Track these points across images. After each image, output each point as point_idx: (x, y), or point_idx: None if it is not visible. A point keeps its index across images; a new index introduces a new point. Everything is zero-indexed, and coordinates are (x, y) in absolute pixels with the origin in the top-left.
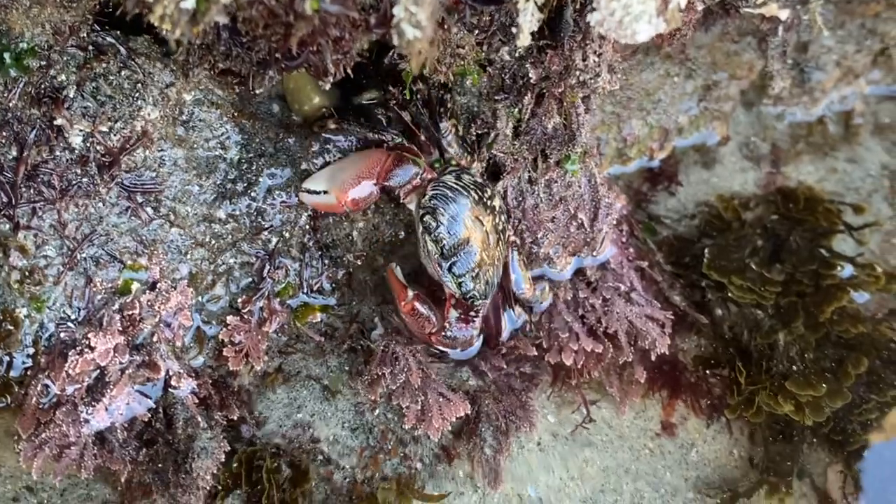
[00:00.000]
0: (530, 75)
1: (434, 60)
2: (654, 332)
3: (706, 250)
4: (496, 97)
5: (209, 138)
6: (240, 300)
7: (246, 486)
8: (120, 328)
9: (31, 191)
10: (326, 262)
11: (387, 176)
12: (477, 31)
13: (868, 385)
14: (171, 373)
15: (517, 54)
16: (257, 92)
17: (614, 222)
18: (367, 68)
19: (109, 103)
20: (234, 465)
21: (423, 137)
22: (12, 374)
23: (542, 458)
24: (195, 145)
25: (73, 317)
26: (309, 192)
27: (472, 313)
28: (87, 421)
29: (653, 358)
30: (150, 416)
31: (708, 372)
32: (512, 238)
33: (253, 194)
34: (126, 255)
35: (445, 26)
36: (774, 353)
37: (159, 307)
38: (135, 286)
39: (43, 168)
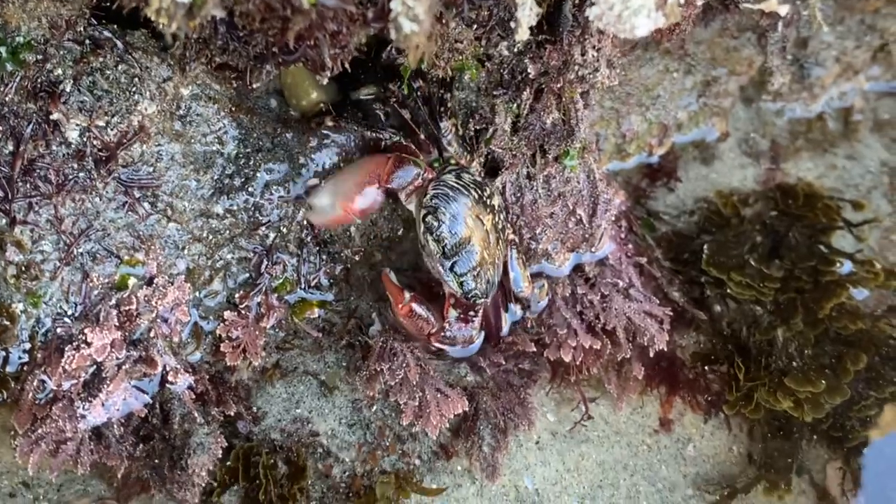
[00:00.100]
0: (529, 70)
1: (432, 55)
2: (653, 328)
3: (705, 246)
4: (495, 92)
5: (206, 133)
6: (237, 295)
7: (243, 482)
8: (117, 323)
9: (28, 185)
10: (324, 257)
11: (389, 179)
12: (475, 26)
13: (867, 381)
14: (167, 368)
15: (516, 49)
16: (255, 87)
17: (613, 218)
18: (366, 64)
19: (106, 98)
20: (231, 461)
21: (422, 136)
22: (8, 369)
23: (540, 455)
24: (192, 140)
25: (69, 312)
26: (313, 210)
27: (472, 312)
28: (83, 416)
29: (651, 354)
30: (146, 411)
31: (706, 368)
32: (511, 236)
33: (250, 189)
34: (123, 251)
35: (443, 21)
36: (773, 350)
37: (156, 302)
38: (132, 281)
39: (39, 163)
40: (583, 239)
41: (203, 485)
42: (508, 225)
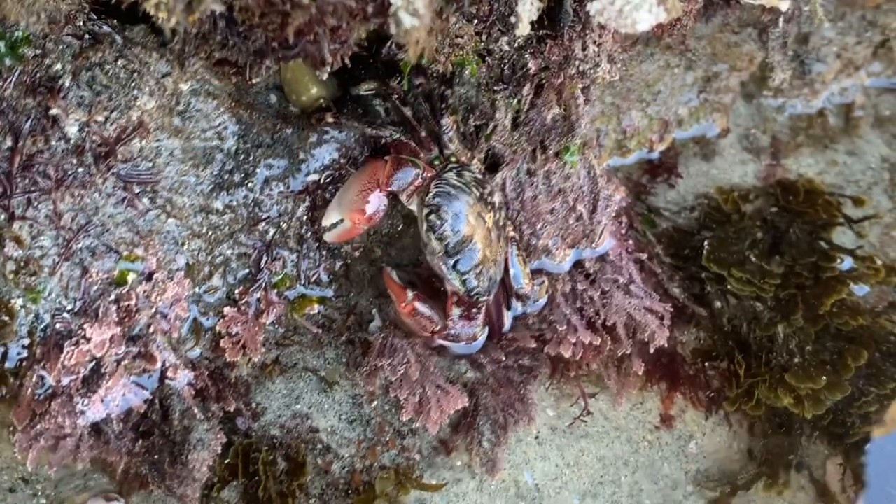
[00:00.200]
0: (529, 66)
1: (432, 50)
2: (653, 324)
3: (706, 242)
4: (495, 88)
5: (206, 129)
6: (237, 291)
7: (243, 478)
8: (116, 319)
9: (27, 181)
10: (324, 253)
11: (388, 182)
12: (476, 21)
13: (868, 378)
14: (167, 364)
15: (516, 44)
16: (254, 82)
17: (613, 214)
18: (366, 60)
19: (105, 93)
20: (231, 457)
21: (423, 133)
22: (7, 365)
23: (540, 450)
24: (192, 135)
25: (68, 307)
26: (328, 228)
27: (475, 310)
28: (82, 412)
29: (651, 350)
30: (146, 407)
31: (707, 364)
32: (511, 233)
33: (250, 185)
34: (122, 246)
35: (444, 15)
36: (774, 346)
37: (156, 298)
38: (131, 277)
39: (38, 158)
40: (583, 235)
41: (203, 480)
42: (509, 222)
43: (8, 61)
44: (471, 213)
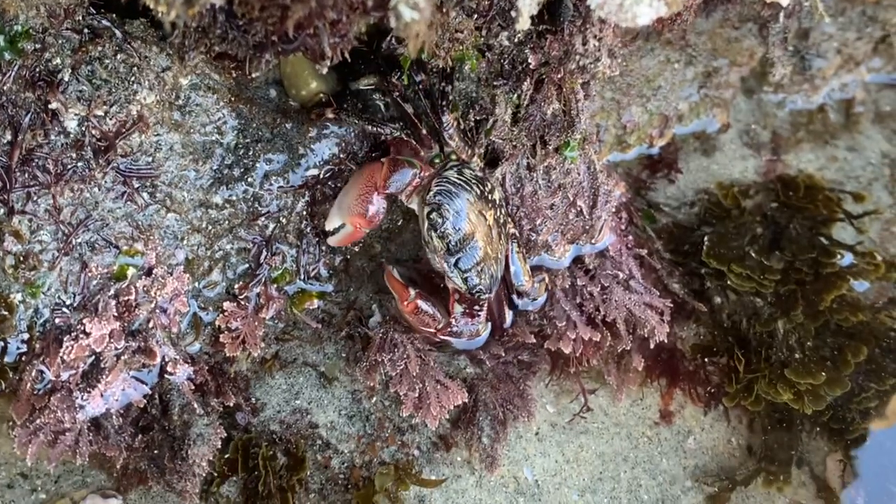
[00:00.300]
0: (529, 61)
1: (432, 45)
2: (653, 319)
3: (705, 238)
4: (495, 83)
5: (206, 123)
6: (236, 286)
7: (242, 473)
8: (115, 314)
9: (26, 175)
10: (324, 248)
11: (386, 184)
12: (476, 16)
13: (867, 373)
14: (167, 359)
15: (516, 39)
16: (254, 76)
17: (613, 210)
18: (366, 55)
19: (105, 87)
20: (231, 452)
21: (424, 131)
22: (7, 359)
23: (540, 446)
24: (191, 130)
25: (68, 302)
26: (331, 233)
27: (477, 307)
28: (82, 407)
29: (651, 346)
30: (145, 402)
31: (706, 360)
32: (512, 231)
33: (250, 180)
34: (122, 241)
35: (444, 10)
36: (773, 342)
37: (155, 293)
38: (131, 272)
39: (38, 152)
40: (583, 230)
41: (203, 475)
42: (509, 219)
43: (7, 55)
44: (472, 210)
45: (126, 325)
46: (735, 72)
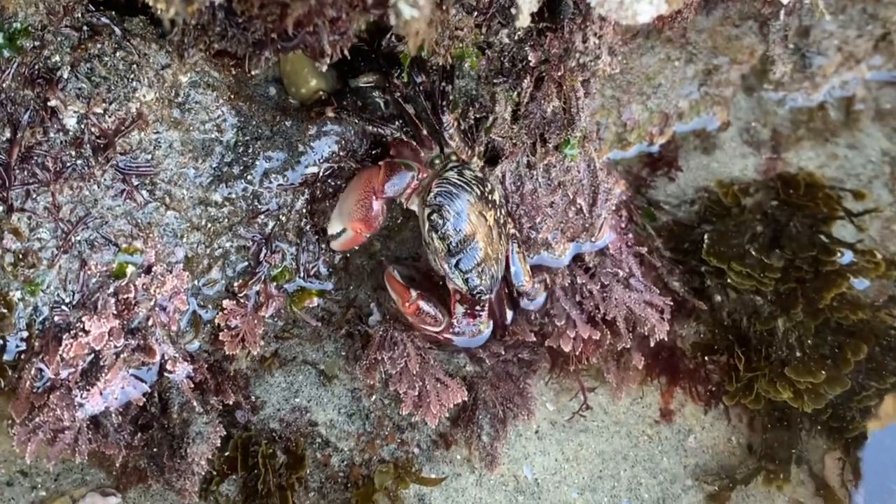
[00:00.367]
0: (529, 58)
1: (432, 42)
2: (653, 318)
3: (705, 236)
4: (495, 80)
5: (205, 121)
6: (236, 284)
7: (242, 472)
8: (115, 312)
9: (25, 173)
10: (323, 246)
11: (383, 189)
12: (476, 13)
13: (867, 372)
14: (166, 357)
15: (516, 37)
16: (254, 74)
17: (613, 207)
18: (366, 52)
19: (104, 84)
20: (230, 450)
21: (424, 131)
22: (6, 357)
23: (539, 444)
24: (191, 128)
25: (67, 300)
26: (333, 237)
27: (478, 307)
28: (81, 405)
29: (652, 344)
30: (145, 400)
31: (707, 358)
32: (512, 231)
33: (249, 177)
34: (121, 239)
35: (443, 7)
36: (773, 340)
37: (155, 291)
38: (130, 269)
39: (37, 150)
40: (583, 228)
41: (202, 474)
42: (509, 219)
43: (6, 52)
44: (472, 211)
45: (125, 323)
46: (735, 70)
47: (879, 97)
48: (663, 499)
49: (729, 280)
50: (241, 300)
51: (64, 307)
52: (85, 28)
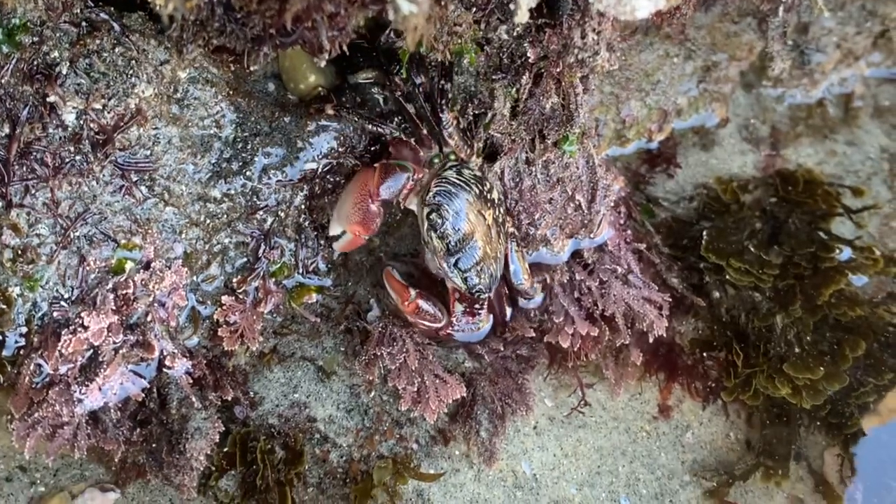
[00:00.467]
0: (528, 54)
1: (430, 38)
2: (652, 314)
3: (704, 233)
4: (494, 77)
5: (204, 116)
6: (235, 280)
7: (240, 467)
8: (114, 307)
9: (24, 168)
10: (322, 242)
11: (378, 191)
12: (474, 9)
13: (866, 368)
14: (165, 353)
15: (515, 33)
16: (252, 69)
17: (612, 204)
18: (367, 50)
19: (103, 80)
20: (229, 446)
21: (424, 131)
22: (5, 353)
23: (538, 440)
24: (190, 123)
25: (66, 296)
26: (335, 239)
27: (477, 306)
28: (80, 401)
29: (650, 340)
30: (143, 396)
31: (705, 355)
32: (511, 230)
33: (248, 173)
34: (120, 234)
35: (442, 3)
36: (772, 336)
37: (153, 287)
38: (129, 265)
39: (36, 145)
40: (581, 225)
41: (201, 469)
42: (508, 218)
43: (5, 48)
44: (471, 210)
45: (124, 318)
46: (734, 66)
47: (878, 94)
48: (661, 494)
49: (727, 276)
50: (240, 296)
51: (63, 303)
52: (84, 24)
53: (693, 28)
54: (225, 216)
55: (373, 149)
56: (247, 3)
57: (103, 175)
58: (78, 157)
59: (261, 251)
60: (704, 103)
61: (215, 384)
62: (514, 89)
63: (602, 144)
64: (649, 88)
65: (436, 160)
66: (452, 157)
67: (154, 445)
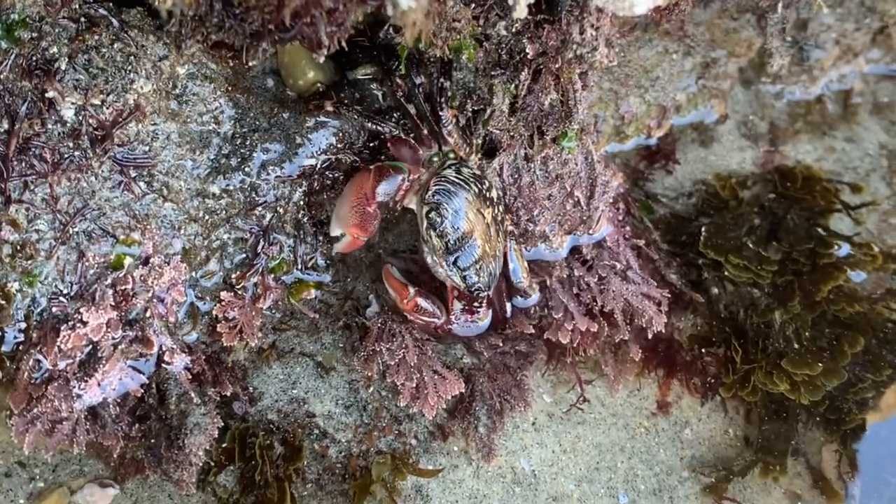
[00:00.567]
0: (527, 50)
1: (429, 34)
2: (651, 310)
3: (703, 229)
4: (492, 73)
5: (203, 112)
6: (234, 276)
7: (239, 463)
8: (112, 303)
9: (23, 164)
10: (321, 238)
11: (374, 194)
12: (473, 5)
13: (864, 364)
14: (164, 348)
15: (514, 29)
16: (251, 65)
17: (611, 200)
18: (367, 48)
19: (102, 76)
20: (228, 441)
21: (425, 131)
22: (4, 348)
23: (537, 436)
24: (188, 119)
25: (65, 291)
26: (336, 239)
27: (476, 304)
28: (79, 396)
29: (649, 336)
30: (142, 391)
31: (704, 351)
32: (510, 228)
33: (247, 169)
34: (119, 230)
35: None
36: (770, 332)
37: (152, 282)
38: (128, 261)
39: (35, 141)
40: (580, 221)
41: (200, 465)
42: (507, 216)
43: (4, 44)
44: (470, 209)
45: (123, 314)
46: (733, 63)
47: (877, 91)
48: (660, 490)
49: (726, 272)
50: (239, 292)
51: (62, 298)
52: (82, 19)
53: (692, 24)
54: (224, 212)
55: (371, 144)
56: None
57: (102, 171)
58: (77, 153)
59: (259, 247)
60: (703, 100)
61: (214, 380)
62: (513, 85)
63: (601, 141)
64: (648, 85)
65: (435, 159)
66: (452, 155)
67: (153, 441)
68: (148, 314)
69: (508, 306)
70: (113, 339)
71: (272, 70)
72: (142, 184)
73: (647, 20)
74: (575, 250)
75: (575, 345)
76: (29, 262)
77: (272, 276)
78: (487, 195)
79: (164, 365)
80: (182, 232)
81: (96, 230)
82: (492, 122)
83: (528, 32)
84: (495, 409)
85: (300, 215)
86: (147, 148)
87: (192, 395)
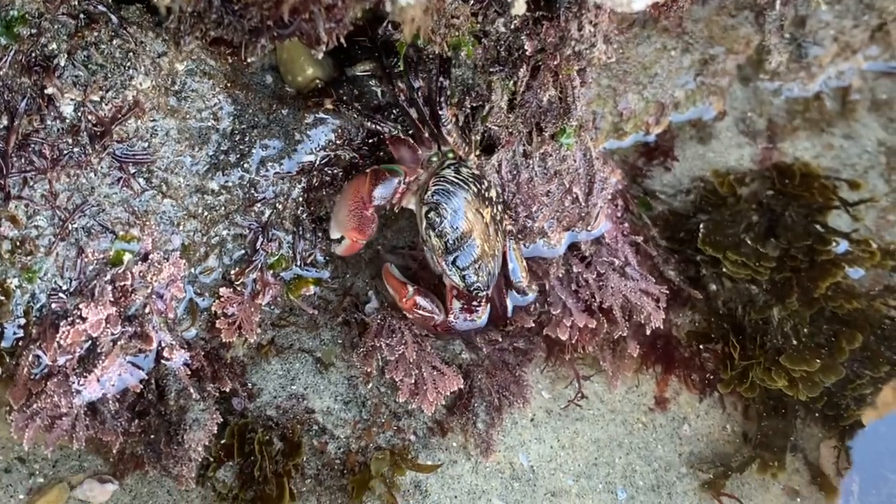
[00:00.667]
0: (526, 47)
1: (428, 30)
2: (649, 306)
3: (701, 225)
4: (491, 69)
5: (202, 109)
6: (233, 272)
7: (238, 458)
8: (112, 299)
9: (23, 160)
10: (320, 234)
11: (370, 198)
12: (472, 1)
13: (862, 361)
14: (163, 344)
15: (513, 25)
16: (250, 61)
17: (609, 197)
18: (366, 44)
19: (101, 72)
20: (227, 437)
21: (426, 134)
22: (3, 344)
23: (535, 432)
24: (187, 116)
25: (64, 287)
26: (336, 242)
27: (475, 303)
28: (78, 392)
29: (648, 332)
30: (142, 387)
31: (702, 347)
32: (509, 227)
33: (246, 166)
34: (118, 226)
35: None
36: (768, 329)
37: (151, 278)
38: (127, 257)
39: (34, 137)
40: (579, 217)
41: (199, 460)
42: (506, 216)
43: (3, 40)
44: (469, 209)
45: (122, 310)
46: (731, 59)
47: (875, 87)
48: (658, 486)
49: (724, 269)
50: (238, 288)
51: (61, 294)
52: (82, 16)
53: (690, 21)
54: (223, 208)
55: (371, 141)
56: None
57: (101, 167)
58: (76, 149)
59: (259, 243)
60: (702, 96)
61: (213, 375)
62: (512, 82)
63: (599, 137)
64: (647, 81)
65: (434, 159)
66: (451, 155)
67: (152, 436)
68: (147, 310)
69: (509, 303)
70: (112, 334)
71: (271, 66)
72: (141, 180)
73: (646, 17)
74: (573, 247)
75: (573, 341)
76: (28, 258)
77: (271, 272)
78: (486, 195)
79: (163, 361)
80: (181, 228)
81: (95, 226)
82: (490, 118)
83: (526, 29)
84: (494, 405)
85: (299, 212)
86: (146, 144)
87: (191, 390)
